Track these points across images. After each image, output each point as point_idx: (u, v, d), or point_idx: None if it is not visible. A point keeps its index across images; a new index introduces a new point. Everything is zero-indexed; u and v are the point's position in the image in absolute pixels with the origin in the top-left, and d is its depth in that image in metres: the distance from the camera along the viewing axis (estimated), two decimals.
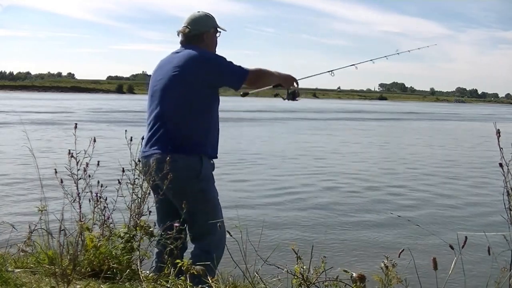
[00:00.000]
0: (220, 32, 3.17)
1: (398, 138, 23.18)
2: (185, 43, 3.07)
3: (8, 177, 9.69)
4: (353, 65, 3.95)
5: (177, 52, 3.06)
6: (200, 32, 3.05)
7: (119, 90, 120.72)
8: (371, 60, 4.24)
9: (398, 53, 4.30)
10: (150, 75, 3.20)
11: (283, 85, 3.30)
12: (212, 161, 3.03)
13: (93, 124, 23.73)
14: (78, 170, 2.89)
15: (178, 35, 3.10)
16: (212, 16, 3.13)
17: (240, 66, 3.01)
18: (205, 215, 2.77)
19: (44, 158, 11.07)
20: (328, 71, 3.81)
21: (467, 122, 39.74)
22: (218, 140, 3.08)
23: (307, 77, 3.65)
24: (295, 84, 3.30)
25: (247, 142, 16.80)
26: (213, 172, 3.06)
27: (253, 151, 14.98)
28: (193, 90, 2.91)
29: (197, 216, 2.86)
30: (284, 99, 3.37)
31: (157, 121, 2.96)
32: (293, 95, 3.34)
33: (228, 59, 3.00)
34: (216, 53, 3.14)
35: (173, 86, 2.94)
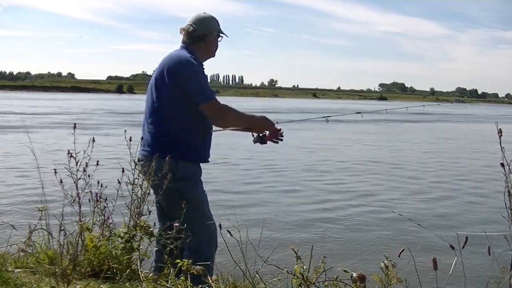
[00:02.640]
0: (222, 37, 3.18)
1: (397, 139, 23.17)
2: (185, 42, 3.08)
3: (9, 178, 9.70)
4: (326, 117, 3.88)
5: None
6: (204, 33, 3.07)
7: (119, 90, 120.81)
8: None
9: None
10: (150, 75, 3.21)
11: (254, 130, 3.17)
12: (195, 163, 3.03)
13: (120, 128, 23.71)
14: (78, 170, 2.89)
15: (180, 32, 3.11)
16: (217, 20, 3.16)
17: (212, 92, 2.97)
18: (187, 215, 2.74)
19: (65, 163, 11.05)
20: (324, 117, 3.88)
21: (475, 123, 39.69)
22: (206, 143, 3.07)
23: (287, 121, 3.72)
24: (267, 130, 3.18)
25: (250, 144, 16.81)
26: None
27: (254, 152, 14.98)
28: (171, 93, 2.94)
29: (179, 215, 2.83)
30: (254, 142, 3.25)
31: (144, 121, 3.07)
32: (261, 139, 3.21)
33: (205, 80, 2.99)
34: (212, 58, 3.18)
35: (156, 88, 2.99)
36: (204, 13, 3.14)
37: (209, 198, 3.14)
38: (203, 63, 3.10)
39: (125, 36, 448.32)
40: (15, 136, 17.08)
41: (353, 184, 10.27)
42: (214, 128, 3.17)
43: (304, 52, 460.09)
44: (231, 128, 3.11)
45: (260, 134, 3.19)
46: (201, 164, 3.12)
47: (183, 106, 2.92)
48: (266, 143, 3.23)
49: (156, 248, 2.98)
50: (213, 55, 3.20)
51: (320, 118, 3.95)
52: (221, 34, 3.17)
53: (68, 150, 2.86)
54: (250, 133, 3.22)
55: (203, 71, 3.00)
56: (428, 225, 6.82)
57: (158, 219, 3.10)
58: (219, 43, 3.20)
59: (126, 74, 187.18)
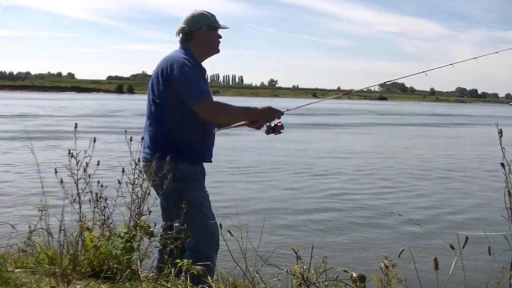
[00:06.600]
0: (216, 28, 3.07)
1: (398, 141, 23.19)
2: (180, 42, 3.08)
3: (9, 178, 9.70)
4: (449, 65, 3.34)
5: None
6: (191, 30, 3.01)
7: (119, 90, 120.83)
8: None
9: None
10: (150, 75, 3.19)
11: (261, 122, 3.03)
12: (194, 163, 3.00)
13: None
14: (78, 170, 2.89)
15: (177, 34, 3.09)
16: (209, 14, 3.06)
17: (202, 90, 2.87)
18: (186, 215, 2.73)
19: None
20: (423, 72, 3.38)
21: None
22: (207, 143, 3.04)
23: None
24: (276, 119, 3.03)
25: (252, 145, 16.82)
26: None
27: (255, 154, 14.98)
28: (165, 94, 2.92)
29: (178, 215, 2.82)
30: (267, 133, 3.10)
31: (146, 122, 3.06)
32: (273, 129, 3.06)
33: (196, 79, 2.87)
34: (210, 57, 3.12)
35: (152, 90, 2.99)
36: (195, 10, 3.09)
37: (210, 198, 3.12)
38: (204, 61, 3.08)
39: (125, 36, 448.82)
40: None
41: (353, 185, 10.27)
42: (220, 127, 3.14)
43: (304, 52, 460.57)
44: (236, 124, 3.06)
45: (272, 124, 3.07)
46: (204, 164, 3.11)
47: (179, 107, 2.90)
48: (280, 132, 3.10)
49: (159, 248, 2.98)
50: (214, 51, 3.12)
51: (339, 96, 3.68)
52: (214, 26, 3.05)
53: (69, 150, 2.86)
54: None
55: (195, 71, 2.91)
56: (428, 225, 6.82)
57: (162, 218, 3.11)
58: (221, 37, 3.11)
59: (126, 74, 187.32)
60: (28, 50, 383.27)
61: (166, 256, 2.68)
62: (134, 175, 2.96)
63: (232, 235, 2.22)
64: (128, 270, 2.70)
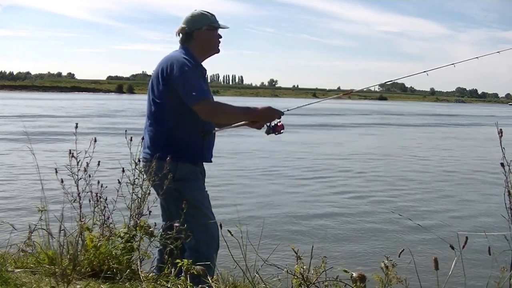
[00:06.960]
0: (216, 28, 3.07)
1: (402, 142, 23.21)
2: (180, 42, 3.08)
3: (9, 178, 9.70)
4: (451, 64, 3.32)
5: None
6: (191, 30, 3.02)
7: (119, 90, 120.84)
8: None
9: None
10: (150, 75, 3.19)
11: (261, 122, 3.01)
12: (194, 163, 3.00)
13: None
14: (78, 170, 2.89)
15: (177, 35, 3.10)
16: (209, 14, 3.07)
17: (202, 90, 2.87)
18: (186, 215, 2.74)
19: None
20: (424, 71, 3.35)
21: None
22: (207, 143, 3.04)
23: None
24: (276, 119, 3.02)
25: (252, 143, 16.81)
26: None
27: (255, 153, 14.97)
28: (165, 94, 2.93)
29: (178, 215, 2.82)
30: (267, 133, 3.08)
31: (146, 122, 3.07)
32: (274, 129, 3.04)
33: (196, 79, 2.87)
34: (211, 56, 3.12)
35: (152, 90, 3.00)
36: (195, 10, 3.09)
37: (212, 200, 3.11)
38: (204, 61, 3.08)
39: (125, 36, 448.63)
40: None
41: (353, 185, 10.28)
42: (220, 127, 3.14)
43: (304, 52, 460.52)
44: (236, 124, 3.05)
45: (272, 124, 3.05)
46: (204, 164, 3.11)
47: (179, 107, 2.90)
48: (280, 132, 3.08)
49: (159, 248, 2.98)
50: (214, 51, 3.12)
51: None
52: (215, 27, 3.05)
53: (70, 150, 2.86)
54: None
55: (195, 71, 2.91)
56: (428, 225, 6.82)
57: (162, 218, 3.11)
58: (222, 37, 3.11)
59: (126, 74, 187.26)
60: (28, 50, 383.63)
61: (166, 256, 2.68)
62: (134, 175, 2.96)
63: (232, 235, 2.23)
64: (128, 270, 2.70)
